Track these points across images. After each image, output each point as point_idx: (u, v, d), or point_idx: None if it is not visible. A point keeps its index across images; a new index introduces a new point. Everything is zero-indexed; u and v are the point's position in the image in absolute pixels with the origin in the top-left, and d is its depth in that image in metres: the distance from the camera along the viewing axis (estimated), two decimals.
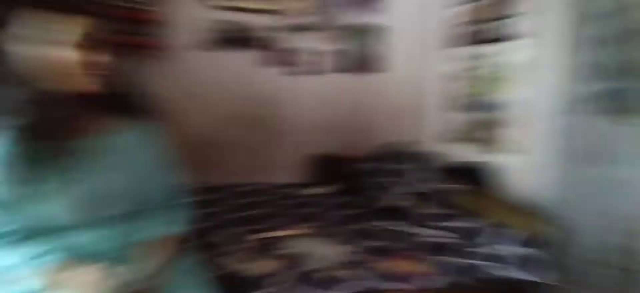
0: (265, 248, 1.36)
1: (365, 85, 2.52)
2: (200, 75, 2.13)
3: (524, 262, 1.44)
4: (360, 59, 2.47)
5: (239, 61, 2.20)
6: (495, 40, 2.02)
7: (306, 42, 2.31)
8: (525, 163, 1.87)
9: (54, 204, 0.74)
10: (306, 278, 1.23)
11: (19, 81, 0.69)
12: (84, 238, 0.79)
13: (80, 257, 0.76)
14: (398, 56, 2.53)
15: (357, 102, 2.54)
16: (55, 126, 0.73)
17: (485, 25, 2.09)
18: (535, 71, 1.83)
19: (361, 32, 2.44)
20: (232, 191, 1.92)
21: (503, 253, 1.47)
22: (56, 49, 0.70)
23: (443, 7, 2.40)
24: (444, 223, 1.72)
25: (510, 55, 1.95)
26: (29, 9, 0.70)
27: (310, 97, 2.41)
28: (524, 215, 1.68)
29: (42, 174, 0.71)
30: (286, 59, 2.29)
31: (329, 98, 2.45)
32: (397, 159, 2.13)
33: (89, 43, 0.73)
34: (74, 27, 0.71)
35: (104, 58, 0.75)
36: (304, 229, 1.54)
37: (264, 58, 2.24)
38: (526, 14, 1.88)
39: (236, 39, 2.16)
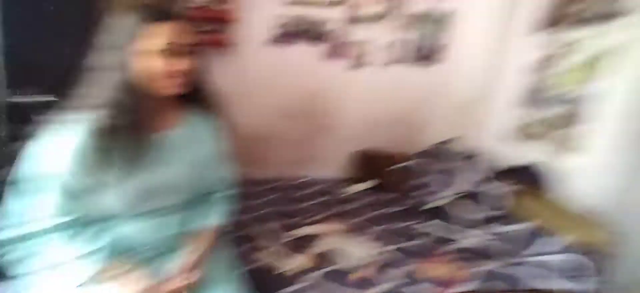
0: (300, 245, 1.40)
1: (427, 77, 2.38)
2: (261, 69, 2.11)
3: (569, 271, 1.31)
4: (426, 49, 2.34)
5: (302, 55, 2.16)
6: (594, 21, 1.67)
7: (371, 33, 2.22)
8: (589, 164, 1.67)
9: (112, 195, 0.78)
10: (337, 276, 1.25)
11: (111, 82, 0.75)
12: (136, 228, 0.83)
13: (131, 247, 0.83)
14: (465, 45, 2.32)
15: (416, 95, 2.42)
16: (135, 123, 0.77)
17: (576, 6, 1.77)
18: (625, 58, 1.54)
19: (430, 20, 2.29)
20: (272, 185, 2.00)
21: (548, 261, 1.36)
22: (144, 56, 0.74)
23: None
24: (490, 227, 1.63)
25: (608, 37, 1.60)
26: (119, 16, 0.76)
27: (367, 90, 2.32)
28: (579, 221, 1.53)
29: (107, 167, 0.74)
30: (348, 52, 2.23)
31: (386, 91, 2.35)
32: (447, 158, 2.04)
33: (172, 50, 0.76)
34: (160, 35, 0.75)
35: (185, 63, 0.78)
36: (339, 226, 1.57)
37: (327, 51, 2.19)
38: None
39: (301, 32, 2.12)
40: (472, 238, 1.55)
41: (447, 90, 2.41)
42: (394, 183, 2.07)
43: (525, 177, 1.89)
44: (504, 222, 1.64)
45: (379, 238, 1.52)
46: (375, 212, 1.81)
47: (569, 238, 1.39)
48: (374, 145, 2.37)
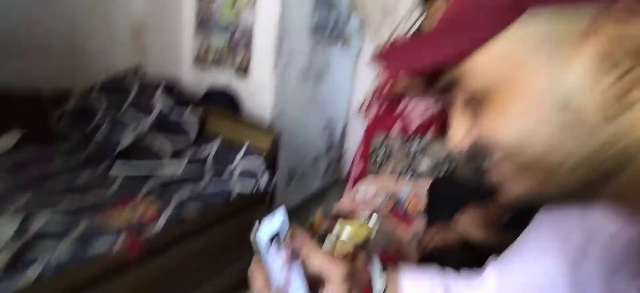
0: None
1: None
2: None
3: (248, 172, 1.55)
4: None
5: None
6: None
7: None
8: (259, 83, 1.96)
9: None
10: None
11: None
12: None
13: None
14: None
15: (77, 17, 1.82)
16: None
17: None
18: None
19: None
20: None
21: (233, 167, 1.53)
22: None
23: None
24: (184, 155, 1.59)
25: None
26: None
27: None
28: (255, 131, 1.78)
29: None
30: None
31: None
32: (127, 89, 1.74)
33: None
34: None
35: None
36: None
37: None
38: None
39: None
40: (167, 170, 1.46)
41: (114, 12, 2.02)
42: (61, 129, 1.57)
43: (218, 101, 1.99)
44: (195, 145, 1.66)
45: (31, 206, 1.10)
46: (26, 173, 1.30)
47: (245, 146, 1.60)
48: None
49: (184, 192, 1.33)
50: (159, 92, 1.76)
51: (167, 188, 1.35)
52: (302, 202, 2.40)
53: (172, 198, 1.27)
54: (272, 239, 0.39)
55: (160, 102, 1.71)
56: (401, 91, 1.40)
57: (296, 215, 2.24)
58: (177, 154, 1.60)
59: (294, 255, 0.41)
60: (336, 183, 2.79)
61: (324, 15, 2.21)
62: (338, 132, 2.73)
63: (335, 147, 2.76)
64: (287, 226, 0.41)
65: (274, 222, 0.39)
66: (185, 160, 1.56)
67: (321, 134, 2.53)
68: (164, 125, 1.65)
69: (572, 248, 0.37)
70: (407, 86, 1.36)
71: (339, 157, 2.84)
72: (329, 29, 2.30)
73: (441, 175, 1.32)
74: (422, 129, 1.41)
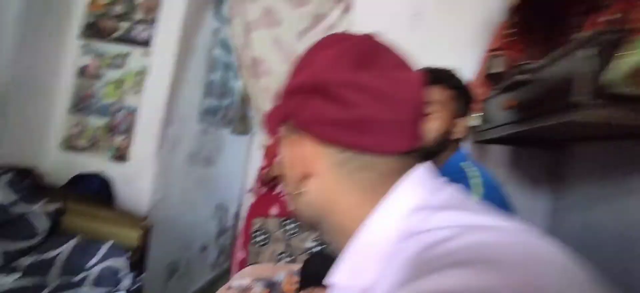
0: None
1: None
2: None
3: (106, 278, 1.35)
4: None
5: None
6: (133, 42, 1.85)
7: None
8: (138, 169, 1.84)
9: None
10: None
11: None
12: None
13: None
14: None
15: None
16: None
17: (125, 25, 1.86)
18: (162, 80, 1.83)
19: None
20: None
21: (88, 275, 1.31)
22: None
23: None
24: (24, 260, 1.32)
25: (143, 60, 1.84)
26: None
27: None
28: (124, 223, 1.61)
29: None
30: None
31: None
32: None
33: None
34: None
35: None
36: None
37: None
38: (162, 26, 1.84)
39: None
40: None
41: None
42: None
43: (88, 188, 1.76)
44: (43, 245, 1.40)
45: None
46: None
47: (109, 244, 1.41)
48: None
49: None
50: (2, 180, 1.49)
51: None
52: None
53: None
54: None
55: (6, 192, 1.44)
56: (277, 174, 1.49)
57: None
58: (13, 258, 1.31)
59: None
60: (229, 273, 2.62)
61: (215, 100, 2.29)
62: (230, 215, 2.66)
63: (228, 232, 2.65)
64: None
65: None
66: (25, 266, 1.29)
67: (211, 218, 2.42)
68: (7, 221, 1.37)
69: None
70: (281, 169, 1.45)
71: (233, 242, 2.72)
72: (220, 114, 2.37)
73: (315, 251, 1.38)
74: None
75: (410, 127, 0.37)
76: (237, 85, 2.49)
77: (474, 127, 1.43)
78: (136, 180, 1.81)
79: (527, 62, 1.04)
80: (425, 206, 0.34)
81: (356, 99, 0.35)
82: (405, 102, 0.36)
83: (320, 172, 0.38)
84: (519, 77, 1.09)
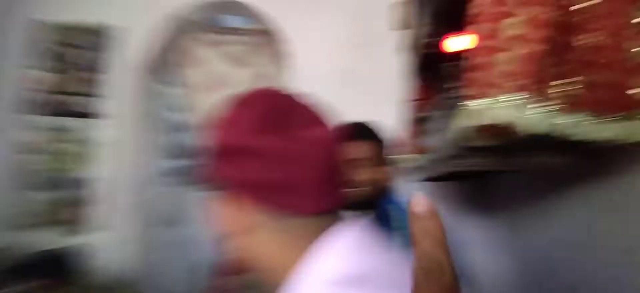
0: None
1: None
2: None
3: None
4: None
5: None
6: (80, 115, 1.95)
7: None
8: (110, 239, 1.87)
9: None
10: None
11: None
12: None
13: None
14: None
15: None
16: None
17: (70, 98, 1.97)
18: (116, 149, 1.92)
19: None
20: None
21: None
22: None
23: (16, 66, 1.98)
24: None
25: (93, 132, 1.94)
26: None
27: None
28: None
29: None
30: None
31: None
32: None
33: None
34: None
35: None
36: None
37: None
38: (109, 95, 1.97)
39: None
40: None
41: None
42: None
43: (51, 266, 1.77)
44: None
45: None
46: None
47: None
48: None
49: None
50: None
51: None
52: None
53: None
54: None
55: None
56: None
57: None
58: None
59: None
60: None
61: (175, 161, 2.38)
62: (203, 276, 2.64)
63: None
64: None
65: None
66: None
67: (184, 280, 2.41)
68: None
69: None
70: None
71: None
72: (185, 174, 2.44)
73: None
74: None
75: (325, 187, 0.38)
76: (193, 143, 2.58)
77: (407, 169, 1.55)
78: (98, 250, 1.85)
79: (431, 111, 1.19)
80: (339, 280, 0.35)
81: (270, 163, 0.37)
82: (317, 163, 0.37)
83: (248, 230, 0.40)
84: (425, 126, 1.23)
